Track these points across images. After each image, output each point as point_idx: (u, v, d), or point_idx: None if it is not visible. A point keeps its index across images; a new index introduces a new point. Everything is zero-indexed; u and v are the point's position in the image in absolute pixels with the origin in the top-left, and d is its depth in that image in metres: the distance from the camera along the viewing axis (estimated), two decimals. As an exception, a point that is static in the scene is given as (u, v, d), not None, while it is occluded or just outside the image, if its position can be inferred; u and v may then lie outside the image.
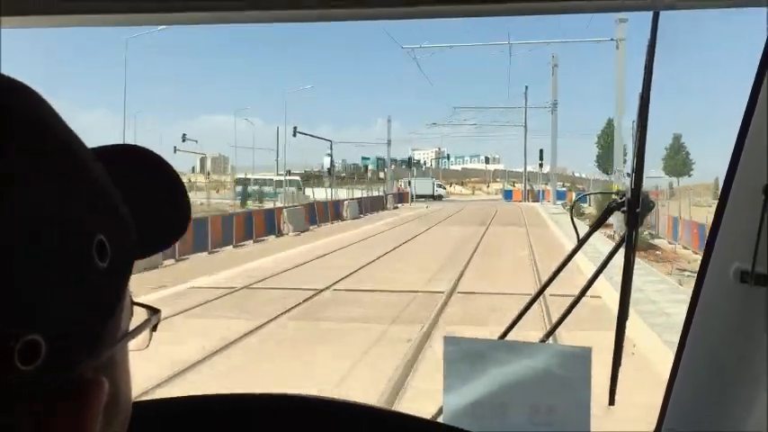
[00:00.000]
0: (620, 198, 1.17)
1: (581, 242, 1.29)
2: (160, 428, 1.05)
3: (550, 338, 1.33)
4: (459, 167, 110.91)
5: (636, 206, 1.14)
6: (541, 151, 55.21)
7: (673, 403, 1.18)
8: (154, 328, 0.47)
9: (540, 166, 59.53)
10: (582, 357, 1.20)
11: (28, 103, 0.37)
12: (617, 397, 1.28)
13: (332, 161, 56.94)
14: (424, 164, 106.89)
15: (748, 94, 1.06)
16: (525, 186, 59.65)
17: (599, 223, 1.27)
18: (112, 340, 0.39)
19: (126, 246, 0.41)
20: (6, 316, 0.32)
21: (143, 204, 0.45)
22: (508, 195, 60.72)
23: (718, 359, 1.11)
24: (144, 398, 1.01)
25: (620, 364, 1.24)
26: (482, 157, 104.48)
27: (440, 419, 1.27)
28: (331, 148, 55.80)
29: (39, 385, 0.33)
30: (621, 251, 1.21)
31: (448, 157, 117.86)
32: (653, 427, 1.21)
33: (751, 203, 1.00)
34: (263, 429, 1.08)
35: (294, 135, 46.84)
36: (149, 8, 0.92)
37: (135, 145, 0.52)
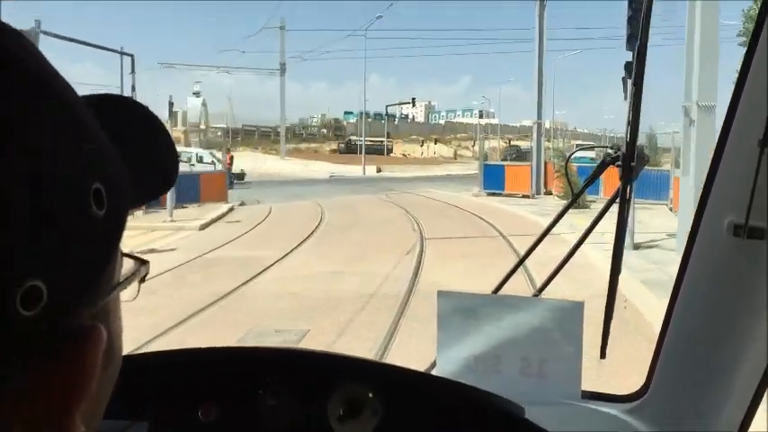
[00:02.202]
0: (615, 152, 1.30)
1: (575, 197, 1.46)
2: (148, 381, 1.21)
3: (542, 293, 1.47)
4: (442, 122, 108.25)
5: (631, 160, 1.25)
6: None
7: (663, 356, 1.31)
8: (142, 280, 0.51)
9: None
10: (574, 311, 1.34)
11: (18, 47, 0.39)
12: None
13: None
14: (412, 118, 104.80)
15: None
16: (539, 151, 26.28)
17: (593, 178, 1.41)
18: (107, 289, 0.44)
19: (121, 195, 0.45)
20: (7, 261, 0.35)
21: (130, 155, 0.48)
22: (493, 177, 26.10)
23: (710, 312, 1.23)
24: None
25: (611, 319, 1.40)
26: (476, 112, 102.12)
27: (433, 372, 1.41)
28: (130, 68, 30.93)
29: (41, 330, 0.37)
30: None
31: (426, 109, 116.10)
32: (643, 379, 1.40)
33: (746, 157, 1.10)
34: (251, 383, 1.21)
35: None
36: None
37: (119, 95, 0.57)
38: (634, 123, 1.25)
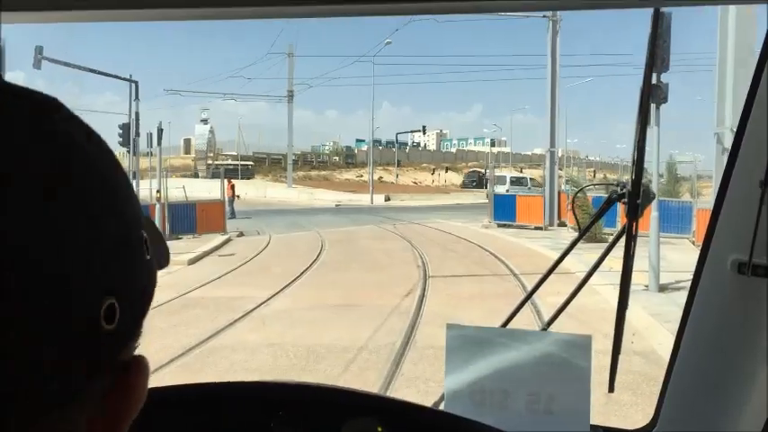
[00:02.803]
0: (621, 189, 1.41)
1: (582, 233, 1.56)
2: (159, 415, 1.30)
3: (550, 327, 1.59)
4: (454, 150, 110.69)
5: (636, 197, 1.34)
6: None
7: (670, 393, 1.37)
8: None
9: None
10: (582, 345, 1.40)
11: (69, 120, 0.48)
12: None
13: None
14: (424, 146, 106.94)
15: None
16: (552, 180, 26.71)
17: (600, 213, 1.52)
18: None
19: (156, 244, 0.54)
20: (91, 281, 0.43)
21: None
22: (504, 208, 25.93)
23: (716, 349, 1.30)
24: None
25: (619, 353, 1.49)
26: (487, 140, 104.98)
27: (441, 406, 1.48)
28: (134, 94, 30.03)
29: (118, 344, 0.45)
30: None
31: (438, 137, 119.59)
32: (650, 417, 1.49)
33: (749, 197, 1.19)
34: (261, 417, 1.31)
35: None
36: (146, 3, 1.16)
37: None
38: (639, 160, 1.35)
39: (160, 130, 26.22)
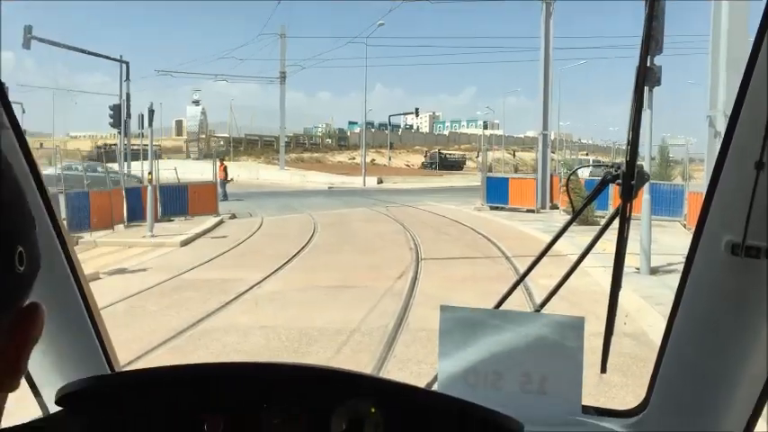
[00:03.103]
0: (616, 170, 1.41)
1: (576, 213, 1.56)
2: (155, 396, 1.30)
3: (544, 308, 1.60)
4: (447, 132, 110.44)
5: (631, 178, 1.34)
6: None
7: (663, 372, 1.38)
8: None
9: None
10: (575, 327, 1.41)
11: None
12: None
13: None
14: (417, 129, 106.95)
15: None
16: (544, 163, 26.63)
17: (594, 194, 1.53)
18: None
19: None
20: (8, 233, 0.54)
21: None
22: (496, 190, 25.94)
23: (709, 330, 1.30)
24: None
25: (612, 334, 1.50)
26: (480, 122, 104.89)
27: (434, 387, 1.48)
28: (125, 75, 30.27)
29: (25, 285, 0.57)
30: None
31: (430, 120, 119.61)
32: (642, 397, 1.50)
33: (743, 178, 1.18)
34: (255, 398, 1.32)
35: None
36: None
37: None
38: (634, 141, 1.34)
39: (151, 111, 25.98)
